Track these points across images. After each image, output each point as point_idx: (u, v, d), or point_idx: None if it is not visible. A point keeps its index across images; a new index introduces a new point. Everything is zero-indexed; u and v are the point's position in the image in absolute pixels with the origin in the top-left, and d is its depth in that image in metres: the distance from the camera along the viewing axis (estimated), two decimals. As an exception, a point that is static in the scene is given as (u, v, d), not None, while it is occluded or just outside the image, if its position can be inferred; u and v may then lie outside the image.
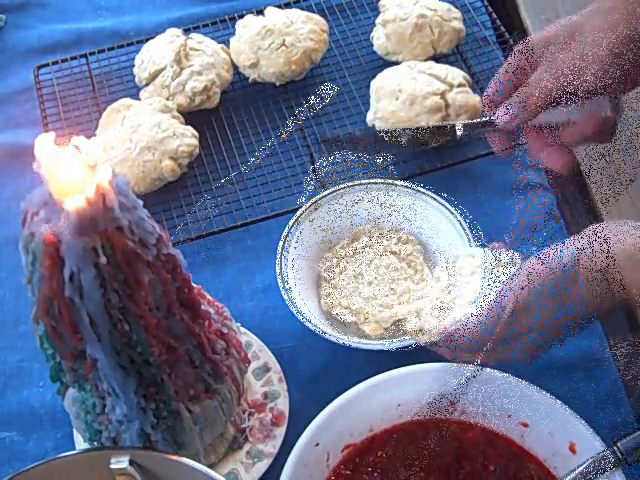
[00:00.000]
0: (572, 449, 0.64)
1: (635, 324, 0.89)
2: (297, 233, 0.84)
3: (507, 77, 0.72)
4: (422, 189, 0.85)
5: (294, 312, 0.78)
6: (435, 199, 0.84)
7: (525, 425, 0.66)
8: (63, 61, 1.09)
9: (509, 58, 0.73)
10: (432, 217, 0.84)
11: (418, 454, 0.67)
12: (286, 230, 0.83)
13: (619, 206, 1.03)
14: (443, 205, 0.83)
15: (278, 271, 0.81)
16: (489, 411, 0.67)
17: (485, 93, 0.74)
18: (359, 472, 0.67)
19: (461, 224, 0.82)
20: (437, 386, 0.67)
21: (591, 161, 1.08)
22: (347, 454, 0.68)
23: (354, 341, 0.76)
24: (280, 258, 0.81)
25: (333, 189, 0.86)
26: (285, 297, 0.79)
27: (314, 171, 0.93)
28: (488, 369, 0.66)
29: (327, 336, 0.76)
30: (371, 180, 0.86)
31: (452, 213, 0.83)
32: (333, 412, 0.67)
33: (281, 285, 0.80)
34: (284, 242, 0.83)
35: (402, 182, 0.86)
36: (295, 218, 0.84)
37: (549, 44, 0.69)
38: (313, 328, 0.77)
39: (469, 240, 0.80)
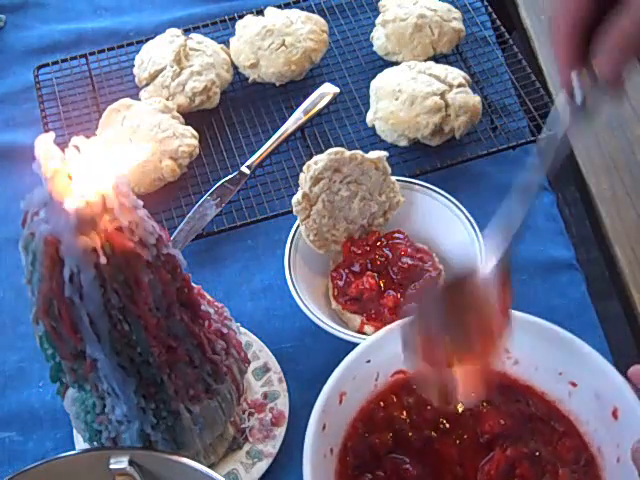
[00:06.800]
0: (615, 415, 0.63)
1: (635, 324, 0.89)
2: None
3: (575, 20, 0.57)
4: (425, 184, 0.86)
5: (302, 307, 0.78)
6: (440, 193, 0.84)
7: (574, 385, 0.66)
8: (63, 61, 1.09)
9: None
10: (436, 212, 0.85)
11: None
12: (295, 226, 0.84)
13: (619, 206, 1.03)
14: (449, 199, 0.84)
15: (287, 264, 0.81)
16: (541, 365, 0.67)
17: (557, 54, 0.59)
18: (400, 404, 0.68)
19: (467, 217, 0.82)
20: None
21: (591, 160, 1.07)
22: (396, 380, 0.68)
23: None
24: (289, 253, 0.82)
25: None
26: (293, 291, 0.79)
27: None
28: (540, 320, 0.66)
29: (336, 333, 0.76)
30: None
31: (457, 207, 0.83)
32: (386, 334, 0.67)
33: (289, 279, 0.80)
34: (293, 237, 0.83)
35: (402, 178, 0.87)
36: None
37: None
38: (323, 326, 0.77)
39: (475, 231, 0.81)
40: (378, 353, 0.67)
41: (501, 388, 0.68)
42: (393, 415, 0.67)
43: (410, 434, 0.67)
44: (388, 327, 0.68)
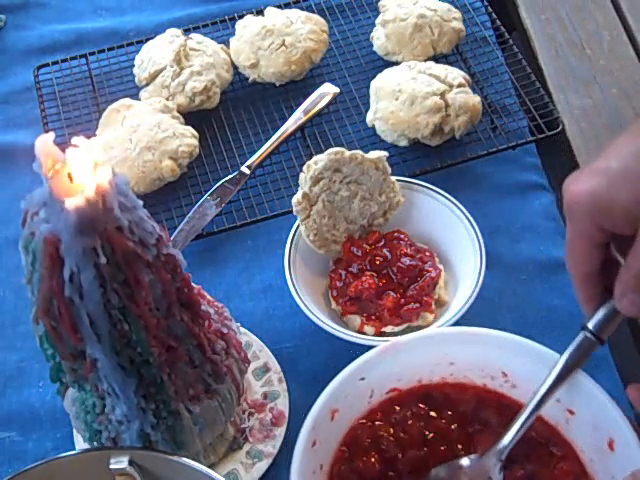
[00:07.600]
0: (611, 446, 0.62)
1: (635, 325, 0.89)
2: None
3: (589, 254, 0.58)
4: (425, 184, 0.85)
5: (302, 307, 0.78)
6: (440, 193, 0.84)
7: (571, 412, 0.65)
8: (63, 61, 1.09)
9: (576, 229, 0.58)
10: (438, 214, 0.85)
11: (457, 418, 0.66)
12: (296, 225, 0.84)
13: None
14: (449, 200, 0.84)
15: (287, 265, 0.81)
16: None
17: (579, 287, 0.61)
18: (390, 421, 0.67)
19: (467, 217, 0.82)
20: (489, 352, 0.66)
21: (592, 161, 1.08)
22: (390, 397, 0.67)
23: (367, 338, 0.76)
24: (289, 253, 0.82)
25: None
26: (293, 291, 0.79)
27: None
28: (538, 345, 0.65)
29: (336, 333, 0.76)
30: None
31: (458, 207, 0.83)
32: (382, 352, 0.66)
33: (289, 279, 0.80)
34: (293, 237, 0.83)
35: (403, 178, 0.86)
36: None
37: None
38: (323, 326, 0.77)
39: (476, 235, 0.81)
40: (373, 371, 0.66)
41: (499, 409, 0.66)
42: (378, 435, 0.66)
43: (399, 455, 0.65)
44: (383, 345, 0.67)
